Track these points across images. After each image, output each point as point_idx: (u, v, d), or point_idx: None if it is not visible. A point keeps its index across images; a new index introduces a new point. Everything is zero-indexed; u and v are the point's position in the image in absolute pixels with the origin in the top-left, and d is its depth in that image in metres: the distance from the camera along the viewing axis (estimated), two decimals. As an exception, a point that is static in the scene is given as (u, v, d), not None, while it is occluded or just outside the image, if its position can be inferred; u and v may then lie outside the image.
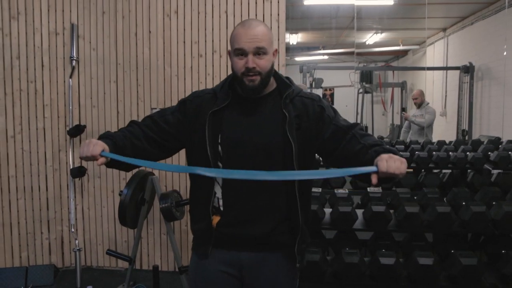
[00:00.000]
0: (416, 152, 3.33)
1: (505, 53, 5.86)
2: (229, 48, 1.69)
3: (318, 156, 1.83)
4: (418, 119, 6.18)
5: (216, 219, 1.68)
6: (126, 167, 1.69)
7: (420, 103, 6.32)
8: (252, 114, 1.67)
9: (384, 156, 1.42)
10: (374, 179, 1.42)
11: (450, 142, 3.89)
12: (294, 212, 1.66)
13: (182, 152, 1.78)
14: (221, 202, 1.67)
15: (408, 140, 4.41)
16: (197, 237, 1.77)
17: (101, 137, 1.66)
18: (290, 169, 1.61)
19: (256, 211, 1.65)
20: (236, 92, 1.69)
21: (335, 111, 1.73)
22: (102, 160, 1.54)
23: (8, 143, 3.75)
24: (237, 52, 1.61)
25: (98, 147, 1.53)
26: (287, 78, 1.76)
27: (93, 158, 1.53)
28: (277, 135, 1.62)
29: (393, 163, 1.39)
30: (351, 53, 10.83)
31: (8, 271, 3.71)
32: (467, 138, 6.68)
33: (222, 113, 1.67)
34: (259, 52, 1.59)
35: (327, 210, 3.05)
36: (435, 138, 6.27)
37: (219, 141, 1.64)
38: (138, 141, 1.68)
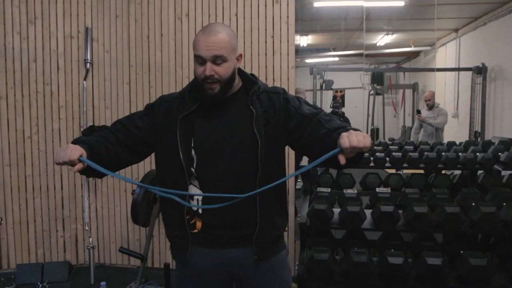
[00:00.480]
0: (425, 153, 3.34)
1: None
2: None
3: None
4: (431, 120, 6.23)
5: (199, 223, 1.70)
6: (98, 174, 1.63)
7: (432, 104, 6.37)
8: (221, 115, 1.67)
9: (344, 133, 1.41)
10: (342, 159, 1.41)
11: (460, 143, 3.89)
12: (255, 207, 1.66)
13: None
14: (200, 203, 1.68)
15: (419, 142, 4.43)
16: (174, 243, 1.78)
17: (76, 142, 1.61)
18: (256, 166, 1.62)
19: (235, 210, 1.64)
20: (203, 96, 1.68)
21: (300, 101, 1.74)
22: (79, 166, 1.50)
23: (25, 144, 3.86)
24: (196, 58, 1.60)
25: (76, 151, 1.49)
26: (252, 75, 1.76)
27: (70, 163, 1.49)
28: (246, 132, 1.64)
29: (354, 137, 1.38)
30: (362, 55, 10.84)
31: (26, 267, 3.81)
32: (480, 139, 6.66)
33: (192, 117, 1.67)
34: (217, 60, 1.58)
35: (336, 210, 3.08)
36: (447, 139, 6.27)
37: (192, 145, 1.65)
38: (112, 146, 1.67)
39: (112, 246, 4.03)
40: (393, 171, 4.56)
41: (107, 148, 1.65)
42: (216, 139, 1.65)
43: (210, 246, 1.71)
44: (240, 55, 1.69)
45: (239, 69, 1.72)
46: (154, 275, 3.79)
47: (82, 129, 3.84)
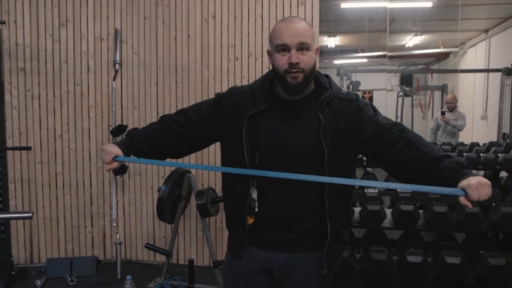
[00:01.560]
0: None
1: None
2: (269, 47, 1.64)
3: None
4: (454, 122, 6.29)
5: (250, 220, 1.69)
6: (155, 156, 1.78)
7: (454, 107, 6.56)
8: (289, 118, 1.63)
9: (473, 183, 1.37)
10: (464, 202, 1.39)
11: (484, 144, 3.86)
12: (323, 217, 1.61)
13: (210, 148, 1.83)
14: (256, 204, 1.67)
15: (439, 142, 4.41)
16: (232, 235, 1.78)
17: (125, 136, 1.79)
18: (322, 175, 1.56)
19: (290, 215, 1.63)
20: (274, 94, 1.65)
21: (374, 109, 1.66)
22: (112, 165, 1.66)
23: (56, 142, 4.01)
24: (279, 47, 1.55)
25: (109, 155, 1.65)
26: (326, 76, 1.69)
27: (108, 165, 1.67)
28: (313, 140, 1.59)
29: (483, 190, 1.37)
30: (391, 56, 10.73)
31: (56, 261, 3.95)
32: (508, 141, 6.53)
33: (260, 116, 1.63)
34: (302, 47, 1.54)
35: (357, 209, 3.11)
36: (476, 140, 6.22)
37: (257, 145, 1.62)
38: (161, 141, 1.73)
39: (139, 242, 4.14)
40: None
41: (153, 142, 1.73)
42: (279, 142, 1.60)
43: (261, 246, 1.70)
44: (318, 49, 1.64)
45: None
46: (179, 271, 3.86)
47: (110, 128, 3.97)
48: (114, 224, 4.01)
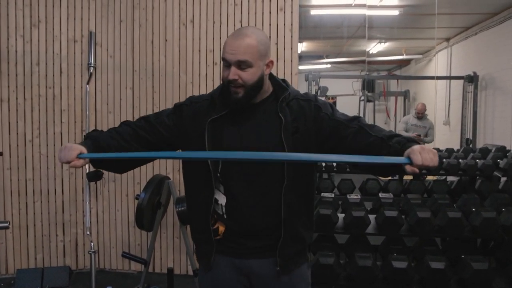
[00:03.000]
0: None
1: (512, 63, 5.97)
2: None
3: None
4: (420, 129, 6.59)
5: (222, 228, 1.67)
6: (117, 168, 1.73)
7: (422, 116, 6.74)
8: (249, 121, 1.64)
9: (416, 148, 1.39)
10: (410, 169, 1.38)
11: (458, 150, 3.98)
12: (279, 216, 1.62)
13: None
14: (224, 210, 1.66)
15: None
16: (199, 246, 1.76)
17: (85, 137, 1.68)
18: (282, 176, 1.60)
19: (258, 219, 1.63)
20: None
21: (332, 107, 1.69)
22: (79, 162, 1.55)
23: (26, 147, 3.83)
24: (223, 61, 1.58)
25: (73, 152, 1.54)
26: (283, 80, 1.72)
27: (68, 163, 1.55)
28: (274, 140, 1.60)
29: (427, 155, 1.37)
30: (354, 62, 10.96)
31: (25, 272, 3.77)
32: (472, 146, 6.79)
33: (221, 122, 1.64)
34: (241, 65, 1.55)
35: (340, 215, 3.13)
36: (438, 146, 6.45)
37: (219, 150, 1.62)
38: (126, 143, 1.66)
39: (113, 251, 4.01)
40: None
41: (119, 144, 1.65)
42: (242, 145, 1.60)
43: (231, 254, 1.68)
44: (271, 62, 1.64)
45: (270, 74, 1.68)
46: (155, 280, 3.78)
47: (84, 133, 3.83)
48: (88, 232, 3.87)
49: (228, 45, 1.56)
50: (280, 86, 1.69)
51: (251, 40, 1.56)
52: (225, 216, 1.67)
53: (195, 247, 1.81)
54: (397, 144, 1.48)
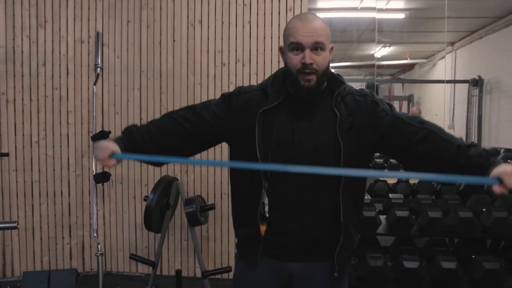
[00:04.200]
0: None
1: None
2: (281, 45, 1.59)
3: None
4: None
5: (262, 227, 1.61)
6: (154, 163, 1.72)
7: None
8: (303, 115, 1.56)
9: (509, 170, 1.30)
10: (500, 190, 1.32)
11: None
12: (337, 220, 1.56)
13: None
14: (267, 209, 1.59)
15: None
16: (243, 243, 1.71)
17: (123, 132, 1.65)
18: (338, 177, 1.52)
19: (304, 220, 1.58)
20: (287, 91, 1.58)
21: (390, 104, 1.63)
22: (111, 162, 1.53)
23: (32, 149, 3.82)
24: (292, 46, 1.49)
25: (105, 151, 1.51)
26: (338, 75, 1.63)
27: (101, 162, 1.55)
28: (328, 136, 1.53)
29: None
30: (359, 67, 10.96)
31: (32, 275, 3.74)
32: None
33: (273, 114, 1.56)
34: (317, 47, 1.48)
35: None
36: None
37: (270, 144, 1.55)
38: (166, 141, 1.61)
39: (120, 253, 3.98)
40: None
41: (158, 141, 1.61)
42: (294, 140, 1.54)
43: (274, 257, 1.62)
44: (332, 48, 1.57)
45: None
46: (163, 283, 3.76)
47: (91, 135, 3.82)
48: (94, 235, 3.83)
49: (300, 28, 1.48)
50: (336, 79, 1.61)
51: (322, 22, 1.52)
52: (267, 215, 1.60)
53: (238, 243, 1.74)
54: (479, 157, 1.41)
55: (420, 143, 1.50)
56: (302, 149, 1.54)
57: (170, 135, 1.63)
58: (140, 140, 1.60)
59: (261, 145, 1.54)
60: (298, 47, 1.49)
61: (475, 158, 1.41)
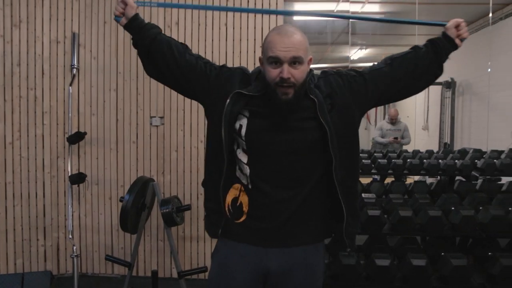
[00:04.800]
0: (408, 160, 3.50)
1: (489, 70, 6.12)
2: (261, 56, 1.62)
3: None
4: (396, 133, 6.85)
5: (244, 198, 1.63)
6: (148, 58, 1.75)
7: (396, 121, 6.96)
8: (282, 117, 1.59)
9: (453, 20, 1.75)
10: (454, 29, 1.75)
11: (438, 151, 4.09)
12: (334, 194, 1.61)
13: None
14: (249, 180, 1.61)
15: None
16: (208, 215, 1.73)
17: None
18: (327, 155, 1.57)
19: (290, 195, 1.60)
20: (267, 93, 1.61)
21: (355, 70, 1.72)
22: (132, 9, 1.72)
23: (6, 150, 3.77)
24: (271, 60, 1.52)
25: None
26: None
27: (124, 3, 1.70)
28: (311, 126, 1.57)
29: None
30: (336, 68, 11.07)
31: (4, 278, 3.70)
32: (461, 149, 6.96)
33: (248, 100, 1.59)
34: (295, 61, 1.51)
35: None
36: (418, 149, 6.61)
37: (244, 132, 1.58)
38: (160, 49, 1.69)
39: (95, 255, 3.97)
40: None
41: (168, 43, 1.73)
42: (275, 133, 1.58)
43: (254, 241, 1.64)
44: (311, 59, 1.61)
45: None
46: (139, 284, 3.76)
47: (66, 136, 3.79)
48: (70, 236, 3.81)
49: (278, 42, 1.51)
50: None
51: (300, 36, 1.54)
52: (249, 186, 1.62)
53: (205, 216, 1.78)
54: (433, 40, 1.79)
55: (398, 69, 1.72)
56: (283, 147, 1.58)
57: (165, 54, 1.70)
58: (147, 31, 1.72)
59: (226, 126, 1.58)
60: (276, 61, 1.52)
61: (431, 42, 1.77)
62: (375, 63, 1.76)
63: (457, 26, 1.76)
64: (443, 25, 1.77)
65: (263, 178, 1.61)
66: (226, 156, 1.60)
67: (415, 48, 1.75)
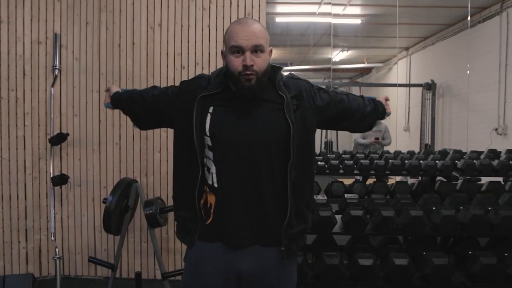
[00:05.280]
0: (390, 160, 3.55)
1: (468, 72, 6.24)
2: (223, 48, 1.67)
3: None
4: (377, 134, 6.89)
5: (211, 198, 1.64)
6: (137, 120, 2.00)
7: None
8: (248, 109, 1.63)
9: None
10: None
11: (419, 152, 4.15)
12: (285, 194, 1.63)
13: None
14: (215, 179, 1.63)
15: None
16: (182, 224, 1.74)
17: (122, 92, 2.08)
18: (287, 152, 1.60)
19: (252, 194, 1.62)
20: (229, 87, 1.65)
21: (321, 88, 1.82)
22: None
23: (-13, 151, 3.73)
24: (233, 49, 1.57)
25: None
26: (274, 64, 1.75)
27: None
28: (277, 120, 1.61)
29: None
30: (318, 70, 11.16)
31: (-15, 280, 3.66)
32: (442, 149, 7.07)
33: (213, 99, 1.64)
34: (257, 49, 1.56)
35: (307, 216, 3.18)
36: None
37: (207, 127, 1.61)
38: (137, 105, 1.92)
39: (78, 256, 3.93)
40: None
41: (136, 111, 1.97)
42: (235, 123, 1.61)
43: (223, 241, 1.65)
44: (271, 50, 1.67)
45: None
46: (123, 285, 3.74)
47: (48, 137, 3.76)
48: (52, 238, 3.78)
49: (240, 32, 1.57)
50: (273, 68, 1.70)
51: (260, 26, 1.61)
52: (215, 185, 1.63)
53: (177, 226, 1.78)
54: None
55: (351, 105, 1.88)
56: (244, 131, 1.61)
57: (140, 105, 1.90)
58: (125, 103, 2.00)
59: (198, 131, 1.61)
60: (238, 50, 1.57)
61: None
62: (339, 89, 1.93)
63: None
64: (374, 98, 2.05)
65: (226, 173, 1.62)
66: (200, 161, 1.63)
67: (365, 108, 1.94)
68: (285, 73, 1.80)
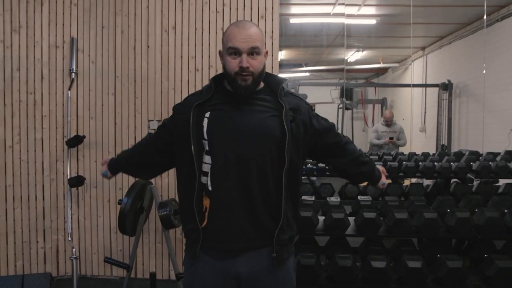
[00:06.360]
0: (404, 162, 3.53)
1: (484, 71, 6.16)
2: (221, 49, 1.71)
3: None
4: (391, 135, 6.90)
5: (206, 201, 1.67)
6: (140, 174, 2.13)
7: (391, 123, 7.00)
8: (244, 108, 1.67)
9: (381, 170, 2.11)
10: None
11: (434, 154, 4.12)
12: (279, 200, 1.66)
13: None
14: (209, 182, 1.66)
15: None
16: (189, 238, 1.76)
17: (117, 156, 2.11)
18: (281, 158, 1.64)
19: (246, 203, 1.65)
20: (223, 87, 1.72)
21: (325, 119, 1.87)
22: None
23: (6, 153, 3.81)
24: (230, 51, 1.62)
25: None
26: (274, 75, 1.82)
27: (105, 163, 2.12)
28: (274, 122, 1.66)
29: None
30: (333, 71, 11.13)
31: (4, 279, 3.74)
32: (457, 151, 7.00)
33: (208, 105, 1.69)
34: (253, 52, 1.62)
35: (321, 218, 3.19)
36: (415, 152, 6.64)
37: (205, 131, 1.65)
38: (142, 155, 1.97)
39: (94, 257, 4.00)
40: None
41: (137, 162, 2.01)
42: (231, 127, 1.65)
43: (217, 252, 1.68)
44: (267, 52, 1.73)
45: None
46: (138, 286, 3.79)
47: (65, 139, 3.83)
48: (69, 239, 3.85)
49: (237, 34, 1.62)
50: (275, 78, 1.77)
51: (257, 29, 1.68)
52: (210, 188, 1.66)
53: (186, 241, 1.80)
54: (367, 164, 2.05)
55: (335, 148, 1.90)
56: (239, 134, 1.64)
57: (146, 152, 1.95)
58: (123, 162, 2.05)
59: (195, 137, 1.66)
60: (235, 52, 1.62)
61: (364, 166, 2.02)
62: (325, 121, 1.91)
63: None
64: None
65: (220, 176, 1.66)
66: (197, 168, 1.66)
67: (361, 154, 2.01)
68: (294, 78, 1.83)
